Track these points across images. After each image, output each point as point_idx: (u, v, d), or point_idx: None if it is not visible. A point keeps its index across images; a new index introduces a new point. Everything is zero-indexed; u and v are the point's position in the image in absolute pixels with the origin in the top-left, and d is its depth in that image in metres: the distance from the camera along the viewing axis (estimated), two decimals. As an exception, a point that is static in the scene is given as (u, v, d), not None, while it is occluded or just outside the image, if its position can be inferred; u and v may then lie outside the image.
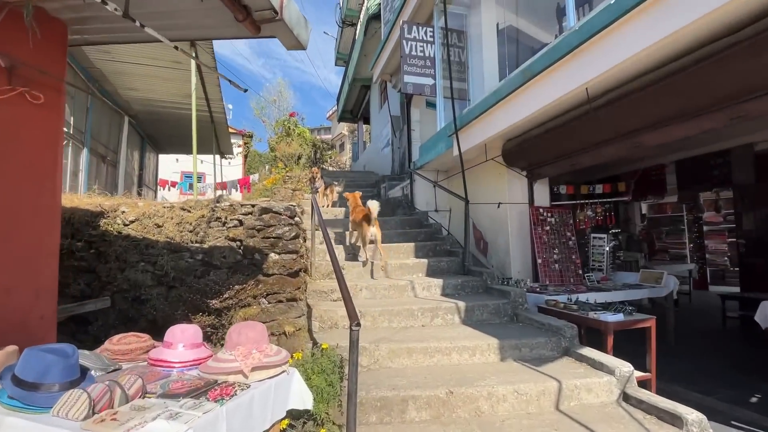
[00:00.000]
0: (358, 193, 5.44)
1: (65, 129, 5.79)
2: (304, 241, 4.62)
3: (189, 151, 13.20)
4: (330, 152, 32.88)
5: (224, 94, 7.78)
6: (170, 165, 16.69)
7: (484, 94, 5.05)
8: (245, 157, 18.75)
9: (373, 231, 4.64)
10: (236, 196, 17.18)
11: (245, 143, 17.75)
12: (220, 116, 8.41)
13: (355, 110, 18.78)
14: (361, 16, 13.49)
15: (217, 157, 11.80)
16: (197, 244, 3.89)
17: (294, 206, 4.30)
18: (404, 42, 6.69)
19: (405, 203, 7.33)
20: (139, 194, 8.92)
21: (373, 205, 4.70)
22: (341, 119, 19.56)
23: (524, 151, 4.86)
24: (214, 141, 9.74)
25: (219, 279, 3.76)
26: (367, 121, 18.59)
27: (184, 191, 17.74)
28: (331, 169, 30.34)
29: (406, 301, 4.13)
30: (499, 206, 5.17)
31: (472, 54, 6.31)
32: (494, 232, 5.48)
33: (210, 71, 6.43)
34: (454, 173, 6.59)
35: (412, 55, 6.68)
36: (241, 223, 4.04)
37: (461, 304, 3.88)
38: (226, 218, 4.05)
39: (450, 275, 4.80)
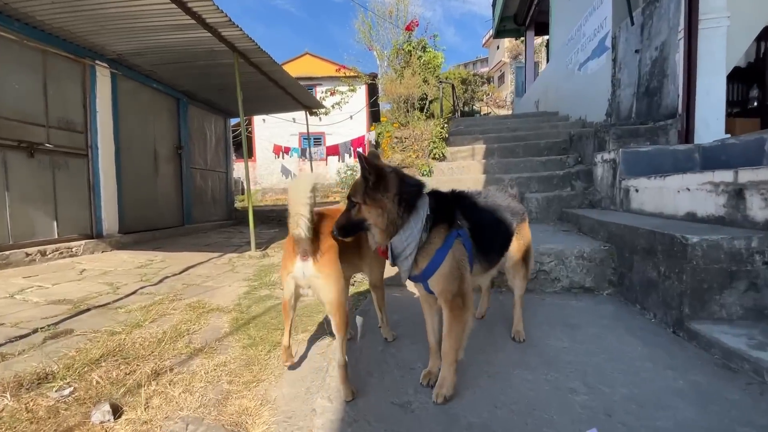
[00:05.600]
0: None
1: None
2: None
3: (271, 110, 9.53)
4: (484, 88, 26.01)
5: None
6: (287, 127, 14.05)
7: None
8: (371, 108, 14.64)
9: (305, 272, 1.40)
10: (351, 163, 13.41)
11: (369, 85, 13.40)
12: (235, 34, 4.12)
13: (520, 13, 11.95)
14: None
15: (308, 116, 7.89)
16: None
17: None
18: None
19: None
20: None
21: (300, 199, 1.29)
22: (499, 34, 13.04)
23: None
24: (266, 77, 5.68)
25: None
26: (541, 29, 11.65)
27: (300, 157, 15.13)
28: (484, 109, 23.70)
29: None
30: None
31: None
32: None
33: None
34: None
35: None
36: None
37: None
38: None
39: None
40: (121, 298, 2.75)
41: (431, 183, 4.91)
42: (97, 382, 1.52)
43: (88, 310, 2.48)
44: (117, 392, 1.45)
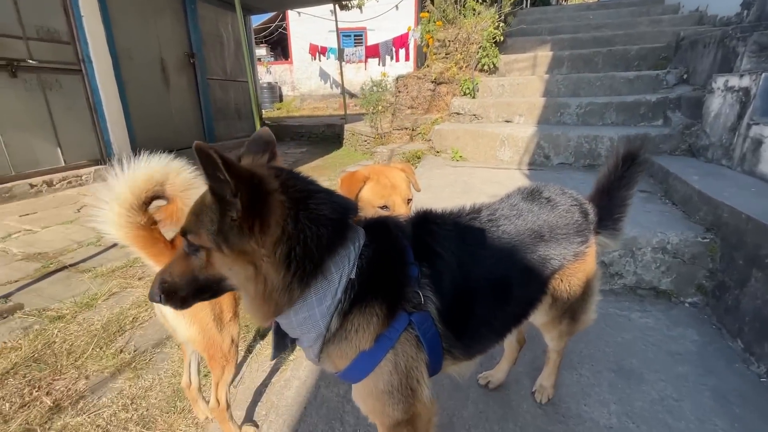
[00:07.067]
0: None
1: None
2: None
3: (293, 3, 8.12)
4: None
5: None
6: (323, 23, 12.27)
7: None
8: (420, -7, 12.25)
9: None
10: (393, 69, 11.54)
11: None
12: None
13: None
14: None
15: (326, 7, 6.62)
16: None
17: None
18: None
19: None
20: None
21: None
22: None
23: None
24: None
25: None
26: None
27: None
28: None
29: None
30: None
31: None
32: None
33: None
34: None
35: None
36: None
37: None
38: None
39: None
40: (99, 252, 2.51)
41: (473, 107, 3.89)
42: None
43: (57, 271, 2.25)
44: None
